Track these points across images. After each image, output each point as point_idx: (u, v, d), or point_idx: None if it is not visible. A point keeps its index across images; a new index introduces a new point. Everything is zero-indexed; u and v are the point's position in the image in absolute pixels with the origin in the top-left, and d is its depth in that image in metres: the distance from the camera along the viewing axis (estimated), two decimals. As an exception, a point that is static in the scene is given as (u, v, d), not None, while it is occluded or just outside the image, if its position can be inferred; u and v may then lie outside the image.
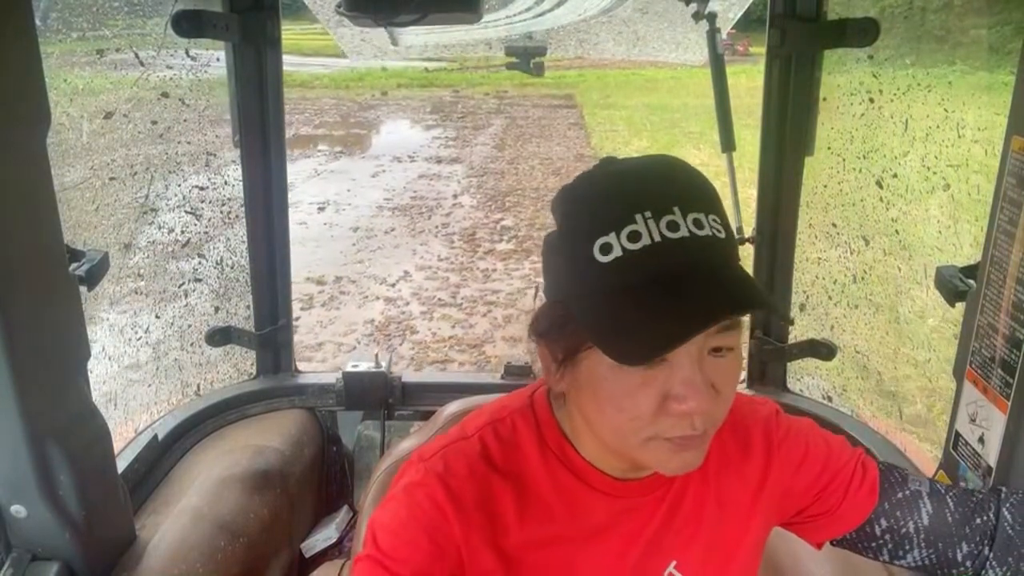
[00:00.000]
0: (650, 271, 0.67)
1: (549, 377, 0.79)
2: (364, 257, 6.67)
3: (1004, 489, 0.91)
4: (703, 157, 9.72)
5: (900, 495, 0.88)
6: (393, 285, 5.98)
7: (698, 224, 0.68)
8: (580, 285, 0.72)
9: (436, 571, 0.76)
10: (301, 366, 1.92)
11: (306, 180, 9.51)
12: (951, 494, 0.89)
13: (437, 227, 7.63)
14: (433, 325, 5.22)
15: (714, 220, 0.69)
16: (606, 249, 0.68)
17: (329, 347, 4.89)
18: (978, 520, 0.87)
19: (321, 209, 8.18)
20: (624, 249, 0.68)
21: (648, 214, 0.68)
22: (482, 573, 0.78)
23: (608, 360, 0.69)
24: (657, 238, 0.67)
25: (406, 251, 6.83)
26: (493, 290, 5.84)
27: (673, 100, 15.01)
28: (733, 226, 1.70)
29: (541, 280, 0.79)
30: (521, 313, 5.43)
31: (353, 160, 10.91)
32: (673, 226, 0.67)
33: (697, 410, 0.68)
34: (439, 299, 5.69)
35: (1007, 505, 0.88)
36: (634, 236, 0.68)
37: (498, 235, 7.30)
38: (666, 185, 0.71)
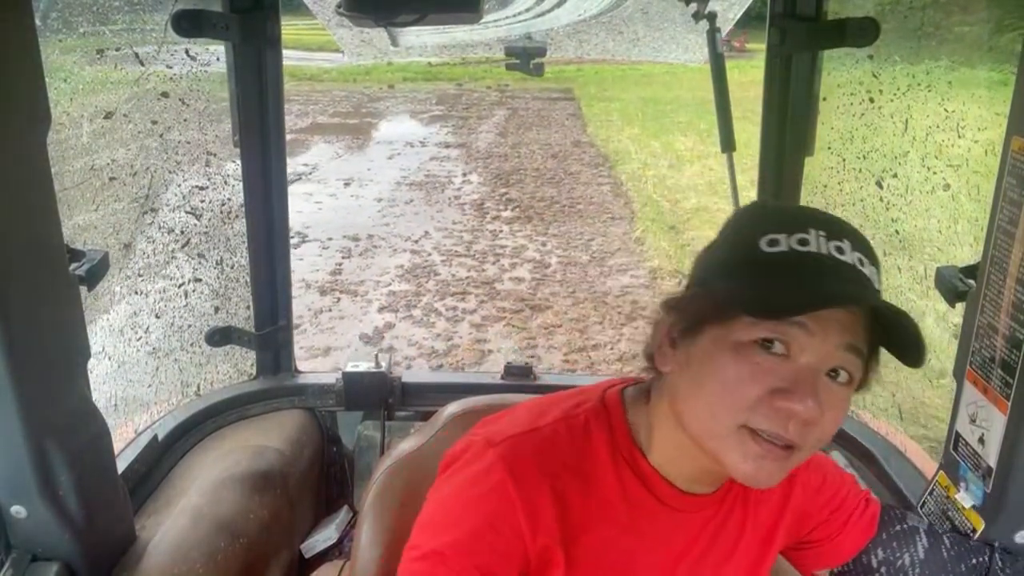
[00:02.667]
0: (808, 271, 0.70)
1: (658, 355, 0.80)
2: (389, 220, 7.76)
3: (998, 541, 0.95)
4: (688, 143, 11.02)
5: (898, 528, 0.93)
6: (416, 241, 7.09)
7: (862, 263, 0.72)
8: (735, 267, 0.75)
9: (500, 563, 0.74)
10: (302, 365, 1.92)
11: (329, 161, 10.65)
12: (947, 535, 0.94)
13: (450, 199, 8.68)
14: (452, 269, 6.32)
15: (874, 272, 0.73)
16: (772, 243, 0.72)
17: (369, 283, 6.01)
18: (973, 560, 0.90)
19: (347, 184, 9.25)
20: (791, 248, 0.71)
21: (822, 233, 0.71)
22: (545, 567, 0.77)
23: (730, 340, 0.71)
24: (825, 251, 0.71)
25: (424, 217, 7.91)
26: (500, 245, 6.96)
27: (667, 93, 15.77)
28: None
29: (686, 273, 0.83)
30: (524, 262, 6.50)
31: (369, 145, 12.02)
32: (841, 251, 0.71)
33: (800, 413, 0.68)
34: (455, 251, 6.79)
35: (1000, 551, 0.93)
36: (803, 241, 0.71)
37: (503, 205, 8.37)
38: (840, 222, 0.75)
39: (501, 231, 7.40)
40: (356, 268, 6.31)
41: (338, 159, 10.76)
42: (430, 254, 6.68)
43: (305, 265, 6.20)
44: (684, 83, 16.01)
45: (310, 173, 9.68)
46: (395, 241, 7.05)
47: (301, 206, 7.81)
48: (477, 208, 8.22)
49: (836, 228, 0.73)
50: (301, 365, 1.92)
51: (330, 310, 5.37)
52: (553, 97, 16.66)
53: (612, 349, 4.88)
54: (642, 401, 0.83)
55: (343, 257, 6.55)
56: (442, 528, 0.74)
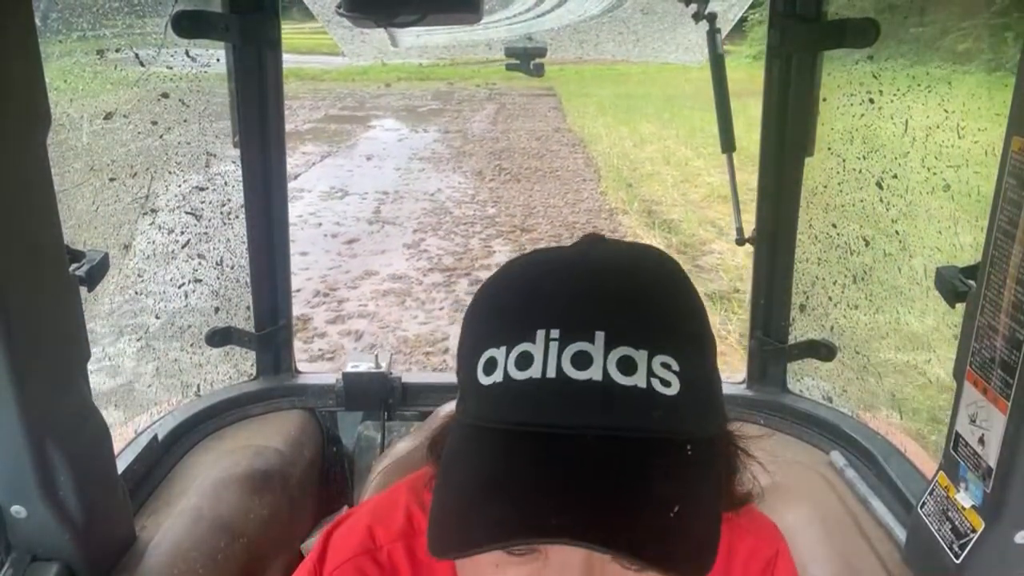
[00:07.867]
0: (526, 420, 0.46)
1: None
2: (408, 182, 10.24)
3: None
4: (651, 129, 13.43)
5: None
6: (432, 194, 9.50)
7: (626, 366, 0.46)
8: (461, 409, 0.53)
9: None
10: (302, 366, 1.92)
11: (347, 144, 12.74)
12: None
13: (454, 168, 11.09)
14: (461, 211, 8.75)
15: (664, 365, 0.46)
16: (489, 367, 0.48)
17: (402, 217, 8.45)
18: None
19: (368, 159, 11.67)
20: (506, 375, 0.47)
21: (555, 334, 0.46)
22: None
23: None
24: (551, 372, 0.46)
25: (436, 180, 10.32)
26: (498, 196, 9.46)
27: (639, 90, 18.29)
28: (732, 227, 1.71)
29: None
30: (515, 205, 8.91)
31: (379, 132, 14.27)
32: (582, 360, 0.45)
33: None
34: (463, 200, 9.24)
35: None
36: (524, 360, 0.47)
37: (497, 172, 10.76)
38: (597, 294, 0.49)
39: (497, 187, 9.85)
40: (390, 210, 8.80)
41: (355, 142, 12.98)
42: (444, 202, 9.13)
43: (353, 208, 8.81)
44: (656, 81, 18.36)
45: (335, 151, 11.98)
46: (416, 194, 9.53)
47: (336, 173, 10.60)
48: (476, 174, 10.61)
49: (583, 309, 0.47)
50: (301, 366, 1.92)
51: (378, 232, 7.89)
52: (536, 94, 18.76)
53: (576, 250, 7.45)
54: None
55: (379, 204, 9.06)
56: None
